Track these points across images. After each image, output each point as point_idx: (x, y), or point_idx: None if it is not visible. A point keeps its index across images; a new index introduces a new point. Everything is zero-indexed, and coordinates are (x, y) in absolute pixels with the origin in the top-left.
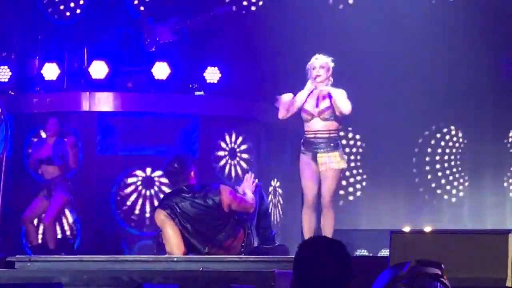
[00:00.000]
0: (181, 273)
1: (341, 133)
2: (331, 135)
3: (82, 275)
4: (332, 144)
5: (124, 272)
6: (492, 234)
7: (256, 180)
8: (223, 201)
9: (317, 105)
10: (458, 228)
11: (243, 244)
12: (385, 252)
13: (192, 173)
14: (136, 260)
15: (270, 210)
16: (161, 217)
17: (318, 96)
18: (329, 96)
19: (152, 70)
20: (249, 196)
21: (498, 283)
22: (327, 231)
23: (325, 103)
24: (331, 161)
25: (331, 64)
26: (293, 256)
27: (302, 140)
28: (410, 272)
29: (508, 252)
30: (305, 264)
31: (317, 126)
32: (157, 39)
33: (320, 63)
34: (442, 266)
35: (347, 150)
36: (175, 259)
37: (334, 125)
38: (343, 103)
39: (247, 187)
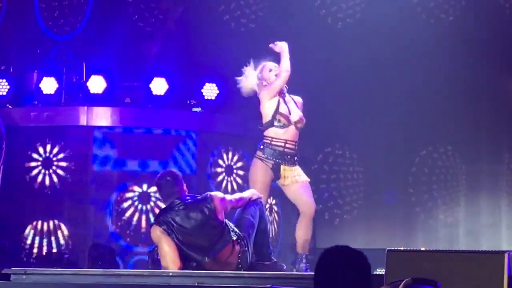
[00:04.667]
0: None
1: (339, 152)
2: (297, 147)
3: None
4: (296, 158)
5: (119, 287)
6: (488, 254)
7: (258, 198)
8: (216, 207)
9: (289, 113)
10: (453, 249)
11: (239, 261)
12: (380, 271)
13: (184, 186)
14: (131, 274)
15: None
16: (157, 233)
17: (287, 103)
18: (295, 104)
19: (150, 86)
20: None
21: None
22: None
23: (298, 112)
24: (297, 174)
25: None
26: (289, 273)
27: (261, 145)
28: None
29: (504, 273)
30: (326, 273)
31: (289, 135)
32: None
33: (269, 67)
34: (438, 284)
35: (344, 169)
36: (171, 273)
37: (297, 137)
38: None
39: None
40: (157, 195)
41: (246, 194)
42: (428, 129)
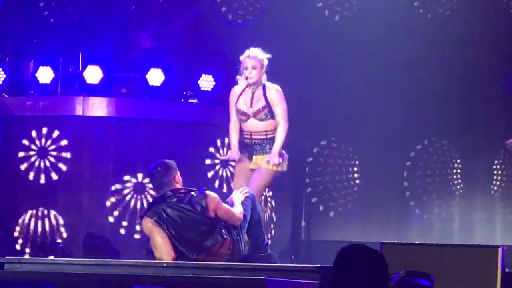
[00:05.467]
0: (170, 278)
1: (334, 145)
2: (268, 135)
3: (71, 278)
4: (268, 146)
5: (113, 276)
6: (482, 248)
7: (248, 193)
8: (209, 205)
9: (251, 105)
10: (447, 243)
11: (229, 252)
12: None
13: (177, 177)
14: (125, 265)
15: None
16: (149, 224)
17: (252, 95)
18: (264, 94)
19: (147, 76)
20: (238, 208)
21: None
22: None
23: (260, 103)
24: (262, 162)
25: (265, 62)
26: (284, 265)
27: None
28: (399, 283)
29: (497, 266)
30: (343, 271)
31: (252, 127)
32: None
33: (252, 64)
34: (432, 277)
35: (339, 162)
36: (165, 264)
37: (271, 125)
38: (278, 106)
39: (237, 198)
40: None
41: (237, 204)
42: (423, 123)
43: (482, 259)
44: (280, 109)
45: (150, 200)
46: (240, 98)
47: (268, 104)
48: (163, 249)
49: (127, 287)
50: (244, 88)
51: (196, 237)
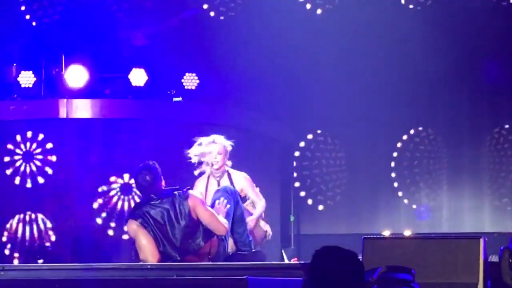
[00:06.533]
0: (154, 281)
1: (320, 138)
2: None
3: (54, 284)
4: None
5: (98, 281)
6: (464, 239)
7: (228, 205)
8: (191, 207)
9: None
10: (436, 232)
11: (213, 252)
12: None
13: (163, 182)
14: (109, 268)
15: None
16: (134, 227)
17: (218, 184)
18: (232, 183)
19: (129, 77)
20: (222, 220)
21: (470, 287)
22: None
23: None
24: None
25: (229, 149)
26: (268, 262)
27: None
28: (380, 278)
29: (480, 257)
30: (319, 273)
31: None
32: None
33: (218, 150)
34: (413, 271)
35: (326, 155)
36: (149, 266)
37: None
38: (251, 192)
39: (220, 212)
40: None
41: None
42: (409, 113)
43: (464, 250)
44: (253, 193)
45: (138, 200)
46: (207, 194)
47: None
48: (147, 250)
49: None
50: (208, 179)
51: (180, 238)
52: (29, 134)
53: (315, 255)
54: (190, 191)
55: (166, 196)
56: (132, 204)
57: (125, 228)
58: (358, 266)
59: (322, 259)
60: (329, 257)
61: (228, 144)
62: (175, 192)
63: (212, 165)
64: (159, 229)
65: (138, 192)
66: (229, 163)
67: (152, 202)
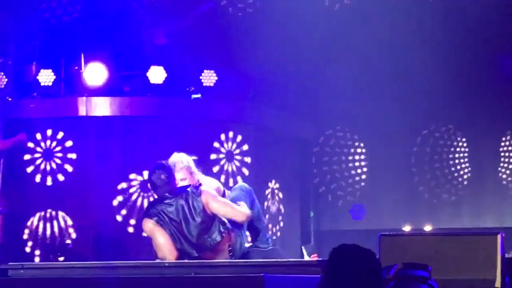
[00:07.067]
0: (172, 279)
1: (340, 134)
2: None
3: (72, 282)
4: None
5: (116, 279)
6: (481, 235)
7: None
8: (204, 202)
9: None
10: (457, 227)
11: (230, 249)
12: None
13: (177, 180)
14: (128, 266)
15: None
16: (150, 225)
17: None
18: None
19: (148, 74)
20: (240, 207)
21: (487, 284)
22: None
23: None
24: None
25: (192, 164)
26: (285, 260)
27: None
28: (396, 275)
29: (497, 253)
30: (336, 271)
31: None
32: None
33: (181, 167)
34: (429, 268)
35: (345, 150)
36: (167, 264)
37: None
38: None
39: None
40: None
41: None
42: (429, 108)
43: (481, 246)
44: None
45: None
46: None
47: None
48: (165, 249)
49: None
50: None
51: (196, 235)
52: (49, 132)
53: (332, 253)
54: (202, 187)
55: (179, 193)
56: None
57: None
58: (375, 265)
59: (339, 257)
60: (346, 255)
61: (190, 160)
62: (188, 189)
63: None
64: (175, 227)
65: None
66: (199, 177)
67: (166, 201)
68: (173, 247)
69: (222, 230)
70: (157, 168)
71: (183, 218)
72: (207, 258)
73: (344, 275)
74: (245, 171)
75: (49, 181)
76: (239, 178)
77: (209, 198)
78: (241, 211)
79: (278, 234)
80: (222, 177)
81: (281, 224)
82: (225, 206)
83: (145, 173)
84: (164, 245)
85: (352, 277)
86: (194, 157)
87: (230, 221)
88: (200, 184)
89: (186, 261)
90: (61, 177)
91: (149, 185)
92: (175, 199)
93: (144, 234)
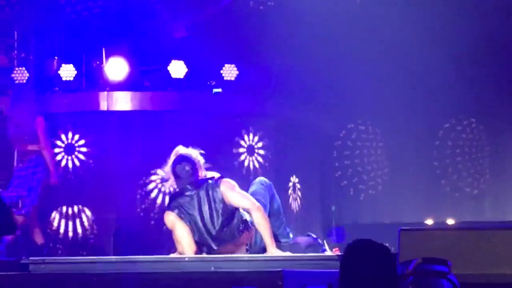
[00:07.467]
0: (191, 274)
1: (361, 127)
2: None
3: (92, 277)
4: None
5: (136, 274)
6: (503, 229)
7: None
8: (224, 194)
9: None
10: (479, 220)
11: (248, 242)
12: None
13: (200, 171)
14: (147, 261)
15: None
16: (171, 218)
17: None
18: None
19: (168, 69)
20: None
21: (508, 279)
22: None
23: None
24: None
25: (200, 158)
26: (304, 254)
27: None
28: (416, 269)
29: None
30: (351, 266)
31: None
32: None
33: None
34: (449, 263)
35: (367, 144)
36: (186, 259)
37: None
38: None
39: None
40: None
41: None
42: (451, 101)
43: (501, 241)
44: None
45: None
46: None
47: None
48: (185, 242)
49: (150, 284)
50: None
51: (216, 227)
52: (70, 127)
53: (347, 249)
54: (224, 179)
55: (200, 185)
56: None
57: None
58: (390, 260)
59: (353, 252)
60: (361, 251)
61: (198, 154)
62: (209, 181)
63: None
64: (195, 219)
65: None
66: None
67: (187, 193)
68: (192, 241)
69: (242, 226)
70: (182, 159)
71: (204, 210)
72: (226, 251)
73: (359, 271)
74: (266, 165)
75: (70, 176)
76: (259, 172)
77: (227, 188)
78: (256, 204)
79: (299, 228)
80: (244, 171)
81: (302, 218)
82: (241, 196)
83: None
84: (183, 238)
85: (367, 273)
86: (202, 151)
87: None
88: (221, 176)
89: (205, 255)
90: (82, 172)
91: (171, 176)
92: (196, 191)
93: (165, 227)
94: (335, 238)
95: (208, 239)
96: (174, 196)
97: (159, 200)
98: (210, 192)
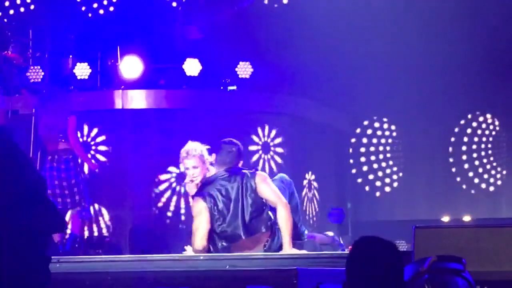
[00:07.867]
0: (206, 272)
1: (377, 125)
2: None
3: (108, 276)
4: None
5: (151, 272)
6: None
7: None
8: (257, 184)
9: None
10: (496, 217)
11: (267, 239)
12: None
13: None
14: (162, 259)
15: (302, 205)
16: (199, 206)
17: None
18: None
19: (183, 67)
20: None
21: None
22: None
23: None
24: None
25: (205, 153)
26: (319, 252)
27: None
28: (431, 267)
29: None
30: (358, 263)
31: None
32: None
33: (194, 154)
34: (463, 260)
35: (382, 141)
36: (201, 257)
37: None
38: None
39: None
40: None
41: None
42: (467, 97)
43: None
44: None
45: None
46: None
47: None
48: (199, 234)
49: (165, 283)
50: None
51: (246, 215)
52: (86, 125)
53: (354, 246)
54: (259, 171)
55: (236, 173)
56: (188, 194)
57: (183, 218)
58: (396, 257)
59: (360, 249)
60: (367, 248)
61: (204, 149)
62: (244, 171)
63: (192, 181)
64: (226, 205)
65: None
66: (211, 168)
67: (221, 179)
68: (205, 237)
69: (270, 223)
70: (230, 141)
71: (236, 197)
72: (249, 242)
73: (365, 268)
74: (282, 163)
75: (86, 175)
76: (275, 170)
77: (261, 179)
78: (284, 201)
79: (315, 225)
80: (259, 169)
81: (317, 215)
82: (272, 190)
83: (181, 166)
84: (200, 230)
85: (373, 269)
86: (207, 146)
87: (275, 215)
88: (256, 169)
89: (220, 254)
90: (97, 170)
91: (213, 156)
92: (230, 178)
93: (182, 227)
94: (332, 218)
95: (240, 226)
96: (208, 181)
97: (174, 198)
98: (245, 181)
